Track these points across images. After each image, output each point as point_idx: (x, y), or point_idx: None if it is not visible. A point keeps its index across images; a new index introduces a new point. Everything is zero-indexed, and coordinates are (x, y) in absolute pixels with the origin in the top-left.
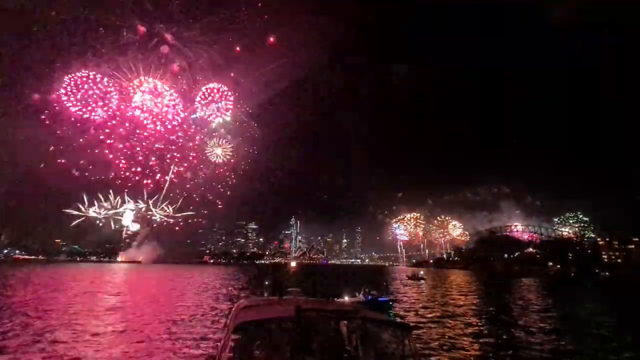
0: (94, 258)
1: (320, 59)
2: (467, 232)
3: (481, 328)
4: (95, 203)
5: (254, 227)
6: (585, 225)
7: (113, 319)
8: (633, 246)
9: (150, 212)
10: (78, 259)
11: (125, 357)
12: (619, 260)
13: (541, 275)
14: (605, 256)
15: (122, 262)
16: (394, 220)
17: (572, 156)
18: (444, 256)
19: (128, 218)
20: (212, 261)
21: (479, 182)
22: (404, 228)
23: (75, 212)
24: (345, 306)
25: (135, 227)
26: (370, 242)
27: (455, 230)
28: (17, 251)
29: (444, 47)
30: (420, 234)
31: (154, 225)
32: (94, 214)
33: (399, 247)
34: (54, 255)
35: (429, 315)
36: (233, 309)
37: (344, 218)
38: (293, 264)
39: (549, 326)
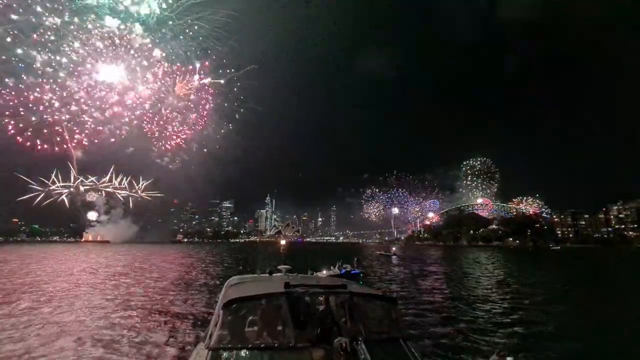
0: (56, 238)
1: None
2: (434, 210)
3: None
4: (56, 180)
5: (229, 205)
6: (540, 204)
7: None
8: (583, 222)
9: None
10: (38, 239)
11: None
12: (571, 235)
13: (501, 248)
14: (560, 232)
15: (87, 241)
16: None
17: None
18: (415, 233)
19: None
20: (185, 240)
21: (438, 164)
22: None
23: (38, 188)
24: (333, 280)
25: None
26: (345, 220)
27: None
28: None
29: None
30: (392, 212)
31: (123, 202)
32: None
33: (371, 225)
34: (12, 236)
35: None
36: (224, 285)
37: (318, 197)
38: (283, 242)
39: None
